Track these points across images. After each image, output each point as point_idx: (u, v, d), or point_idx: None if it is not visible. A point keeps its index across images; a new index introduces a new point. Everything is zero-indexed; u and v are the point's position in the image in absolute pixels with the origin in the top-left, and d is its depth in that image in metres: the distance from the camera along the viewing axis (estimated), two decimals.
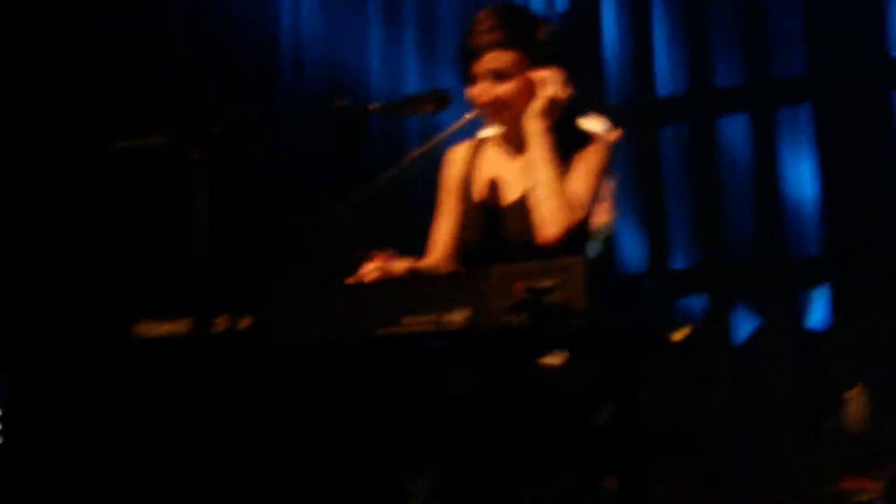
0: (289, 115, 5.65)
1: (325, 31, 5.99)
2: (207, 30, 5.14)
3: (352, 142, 5.73)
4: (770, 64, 6.57)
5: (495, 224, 2.86)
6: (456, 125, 3.01)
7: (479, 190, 2.96)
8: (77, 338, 2.58)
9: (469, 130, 3.21)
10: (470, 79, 2.90)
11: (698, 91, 6.74)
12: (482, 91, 2.87)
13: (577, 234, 2.77)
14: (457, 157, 3.07)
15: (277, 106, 5.64)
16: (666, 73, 6.87)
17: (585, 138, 2.89)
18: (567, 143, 2.85)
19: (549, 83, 2.81)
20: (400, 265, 2.81)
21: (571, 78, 2.92)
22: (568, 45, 3.24)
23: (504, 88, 2.85)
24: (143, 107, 4.53)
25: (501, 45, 2.85)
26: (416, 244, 3.25)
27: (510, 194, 2.90)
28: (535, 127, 2.79)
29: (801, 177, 6.53)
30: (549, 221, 2.72)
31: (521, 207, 2.83)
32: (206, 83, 4.96)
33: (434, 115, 2.91)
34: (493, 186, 2.93)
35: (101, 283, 4.11)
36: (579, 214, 2.77)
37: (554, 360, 2.37)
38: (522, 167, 2.87)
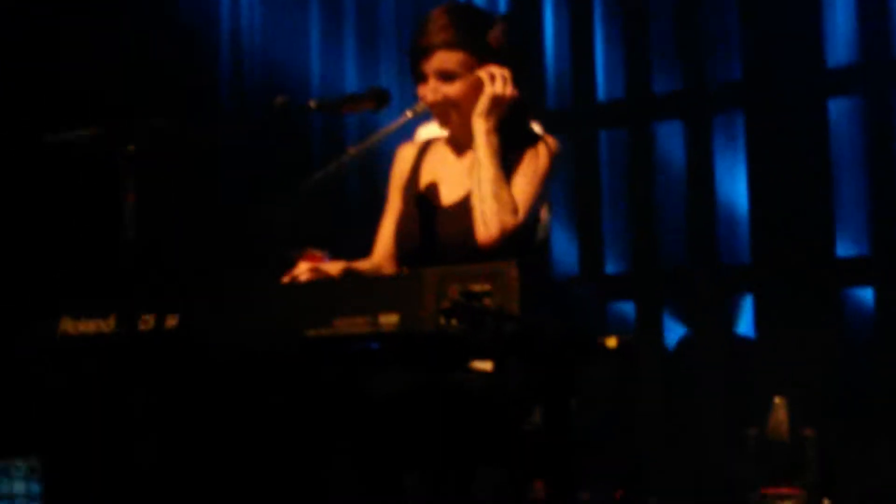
0: (228, 112, 5.60)
1: (265, 28, 5.94)
2: (147, 24, 5.07)
3: (291, 139, 5.70)
4: (706, 71, 6.63)
5: (435, 225, 2.85)
6: (395, 124, 2.99)
7: (423, 189, 2.95)
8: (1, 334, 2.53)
9: (408, 129, 3.19)
10: (419, 77, 2.89)
11: (637, 96, 6.78)
12: (430, 90, 2.86)
13: (518, 239, 2.75)
14: (405, 155, 3.06)
15: (216, 101, 5.58)
16: (605, 78, 6.91)
17: (534, 139, 2.88)
18: (515, 143, 2.84)
19: (496, 81, 2.80)
20: (335, 266, 2.78)
21: (523, 77, 2.91)
22: (520, 44, 3.23)
23: (452, 89, 2.84)
24: (82, 99, 4.46)
25: (450, 45, 2.84)
26: (351, 242, 3.22)
27: (452, 195, 2.89)
28: (479, 126, 2.78)
29: (735, 184, 6.59)
30: (489, 223, 2.71)
31: (462, 209, 2.82)
32: (143, 77, 4.89)
33: (373, 114, 2.89)
34: (436, 187, 2.92)
35: (26, 279, 4.03)
36: (519, 219, 2.76)
37: (485, 365, 2.36)
38: (467, 168, 2.87)
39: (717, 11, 6.62)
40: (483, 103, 2.80)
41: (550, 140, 2.92)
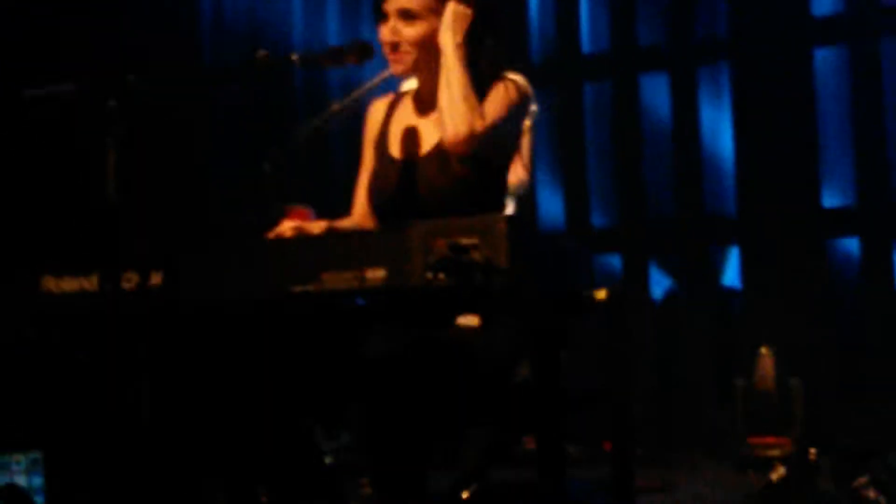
0: (209, 67, 5.54)
1: None
2: None
3: (273, 94, 5.65)
4: (692, 23, 6.59)
5: (408, 177, 2.81)
6: (378, 78, 2.95)
7: (393, 143, 2.91)
8: None
9: (393, 83, 3.16)
10: (379, 15, 2.83)
11: (621, 49, 6.74)
12: (389, 29, 2.80)
13: (484, 151, 2.71)
14: (375, 110, 3.01)
15: (198, 56, 5.52)
16: (589, 31, 6.86)
17: (502, 77, 2.84)
18: (484, 82, 2.80)
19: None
20: (318, 226, 2.75)
21: (493, 24, 2.87)
22: None
23: (412, 30, 2.77)
24: (63, 53, 4.39)
25: None
26: (334, 199, 3.19)
27: (423, 147, 2.85)
28: (447, 38, 2.72)
29: (720, 136, 6.58)
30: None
31: (435, 159, 2.78)
32: (123, 31, 4.82)
33: (356, 67, 2.84)
34: (407, 139, 2.88)
35: (7, 237, 3.99)
36: (487, 125, 2.70)
37: (470, 321, 2.35)
38: (436, 120, 2.83)
39: None
40: (448, 17, 2.74)
41: (519, 78, 2.89)
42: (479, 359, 2.41)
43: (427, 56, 2.80)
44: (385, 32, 2.80)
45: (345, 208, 3.04)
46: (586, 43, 6.86)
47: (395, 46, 2.80)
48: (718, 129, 6.57)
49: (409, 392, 2.34)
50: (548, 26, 6.95)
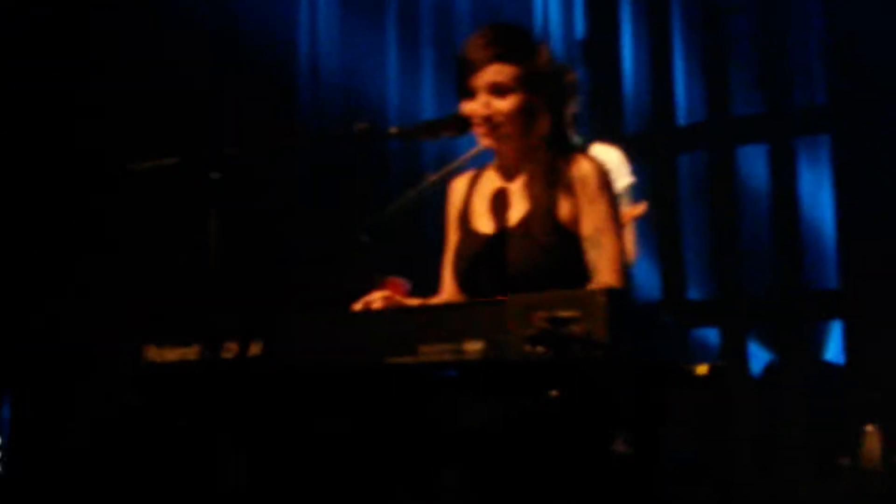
0: (306, 136, 5.63)
1: (342, 52, 5.98)
2: (227, 50, 5.13)
3: (370, 165, 5.72)
4: (790, 93, 6.53)
5: (495, 250, 2.80)
6: (473, 150, 2.97)
7: (477, 217, 2.91)
8: (87, 358, 2.54)
9: (486, 156, 3.17)
10: (465, 92, 2.84)
11: (717, 119, 6.71)
12: (481, 103, 2.81)
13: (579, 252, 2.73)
14: (456, 188, 3.02)
15: (295, 126, 5.62)
16: (685, 102, 6.84)
17: (576, 157, 2.83)
18: (559, 154, 2.82)
19: None
20: (410, 301, 2.75)
21: (571, 95, 2.90)
22: (571, 68, 3.19)
23: (504, 103, 2.79)
24: (164, 125, 4.52)
25: (503, 58, 2.80)
26: (429, 271, 3.19)
27: (510, 219, 2.84)
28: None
29: (820, 209, 6.48)
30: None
31: (522, 232, 2.77)
32: (224, 103, 4.94)
33: (453, 140, 2.86)
34: (493, 212, 2.88)
35: (113, 303, 4.08)
36: (621, 261, 2.75)
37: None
38: (519, 189, 2.83)
39: (800, 32, 6.52)
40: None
41: (594, 159, 2.86)
42: (581, 429, 2.38)
43: (517, 128, 2.81)
44: (476, 107, 2.81)
45: (438, 279, 3.04)
46: (681, 114, 6.84)
47: (488, 119, 2.81)
48: (818, 199, 6.48)
49: (507, 463, 2.32)
50: (643, 97, 6.95)
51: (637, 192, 4.73)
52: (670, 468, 2.56)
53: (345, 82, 5.93)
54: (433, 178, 2.90)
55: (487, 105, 2.80)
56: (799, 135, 6.54)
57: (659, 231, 6.80)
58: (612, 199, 2.79)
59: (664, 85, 6.84)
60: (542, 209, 2.78)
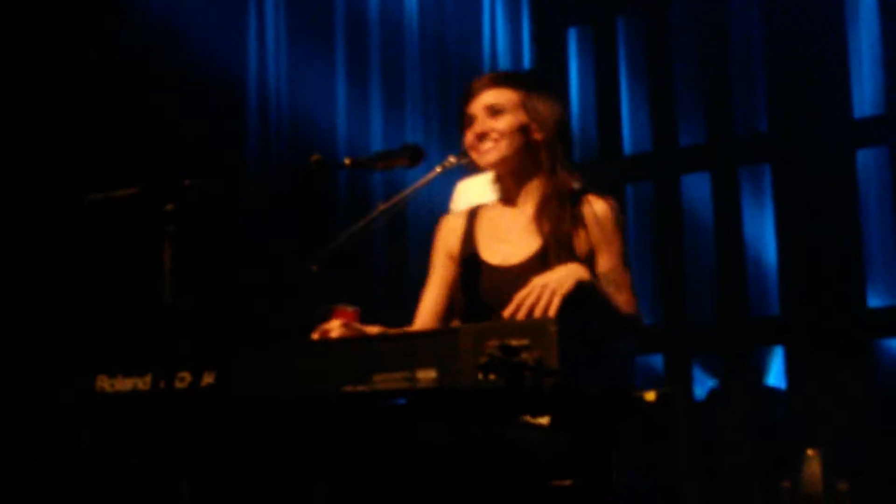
0: (256, 168, 5.64)
1: (291, 84, 6.00)
2: (177, 82, 5.13)
3: (320, 196, 5.73)
4: (732, 123, 6.64)
5: (509, 281, 2.81)
6: (425, 178, 2.98)
7: (485, 250, 2.92)
8: (38, 390, 2.54)
9: (437, 185, 3.19)
10: (465, 122, 2.90)
11: (663, 149, 6.80)
12: (479, 123, 2.87)
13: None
14: (452, 226, 3.02)
15: (244, 158, 5.63)
16: (631, 132, 6.94)
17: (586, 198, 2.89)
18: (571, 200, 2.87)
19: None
20: (372, 329, 2.77)
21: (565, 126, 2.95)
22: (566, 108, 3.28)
23: (499, 123, 2.85)
24: (117, 159, 4.51)
25: (498, 82, 2.89)
26: (379, 299, 3.21)
27: (521, 253, 2.87)
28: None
29: (762, 236, 6.58)
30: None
31: (536, 263, 2.79)
32: (174, 135, 4.94)
33: (405, 171, 2.89)
34: (503, 244, 2.90)
35: (62, 334, 4.05)
36: (634, 298, 2.83)
37: (541, 419, 2.34)
38: (527, 222, 2.86)
39: (742, 64, 6.65)
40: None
41: (605, 200, 2.93)
42: (532, 458, 2.40)
43: (511, 145, 2.86)
44: (473, 129, 2.86)
45: (389, 307, 3.06)
46: (628, 144, 6.93)
47: (482, 136, 2.86)
48: (760, 227, 6.58)
49: (464, 485, 2.34)
50: (589, 127, 7.03)
51: None
52: (622, 494, 2.59)
53: (293, 115, 5.95)
54: (384, 207, 2.92)
55: (482, 124, 2.86)
56: (741, 164, 6.64)
57: None
58: (626, 238, 2.88)
59: (611, 115, 6.93)
60: (561, 243, 2.81)
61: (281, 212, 5.44)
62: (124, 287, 4.26)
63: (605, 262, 2.83)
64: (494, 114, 2.87)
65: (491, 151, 2.88)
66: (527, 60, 7.01)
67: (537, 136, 2.88)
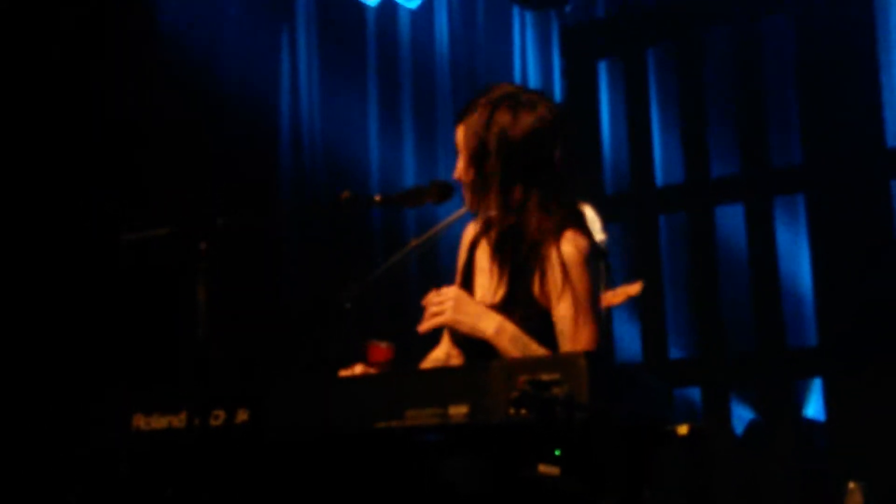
0: (290, 206, 5.69)
1: (324, 119, 6.05)
2: (211, 117, 5.19)
3: (353, 231, 5.77)
4: (766, 154, 6.62)
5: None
6: (454, 215, 2.98)
7: (475, 278, 2.90)
8: (75, 427, 2.56)
9: (468, 220, 3.19)
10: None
11: (696, 181, 6.78)
12: (457, 167, 2.77)
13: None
14: (466, 235, 2.99)
15: (277, 193, 5.68)
16: (663, 163, 6.93)
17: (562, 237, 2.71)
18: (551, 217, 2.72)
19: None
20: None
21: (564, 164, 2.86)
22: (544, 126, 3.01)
23: (459, 165, 2.74)
24: (149, 197, 4.56)
25: (456, 120, 2.76)
26: (413, 335, 3.20)
27: (487, 296, 2.78)
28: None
29: (798, 267, 6.54)
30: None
31: (501, 310, 2.72)
32: (207, 172, 5.00)
33: (436, 206, 2.90)
34: (480, 280, 2.86)
35: (99, 372, 4.09)
36: (594, 335, 2.64)
37: (551, 470, 2.34)
38: (501, 263, 2.77)
39: (775, 94, 6.63)
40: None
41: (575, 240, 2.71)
42: (566, 491, 2.39)
43: (468, 189, 2.74)
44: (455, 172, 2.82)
45: (421, 343, 3.05)
46: (660, 175, 6.92)
47: (459, 182, 2.78)
48: (796, 258, 6.54)
49: None
50: (621, 159, 7.03)
51: (615, 253, 4.78)
52: None
53: (326, 149, 6.00)
54: (416, 243, 2.93)
55: (457, 167, 2.78)
56: (775, 194, 6.62)
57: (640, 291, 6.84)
58: (596, 279, 2.69)
59: (643, 146, 6.92)
60: (522, 290, 2.71)
61: (314, 247, 5.47)
62: (159, 323, 4.30)
63: (559, 310, 2.66)
64: (459, 155, 2.76)
65: (466, 201, 2.77)
66: (558, 93, 7.03)
67: (497, 174, 2.68)
